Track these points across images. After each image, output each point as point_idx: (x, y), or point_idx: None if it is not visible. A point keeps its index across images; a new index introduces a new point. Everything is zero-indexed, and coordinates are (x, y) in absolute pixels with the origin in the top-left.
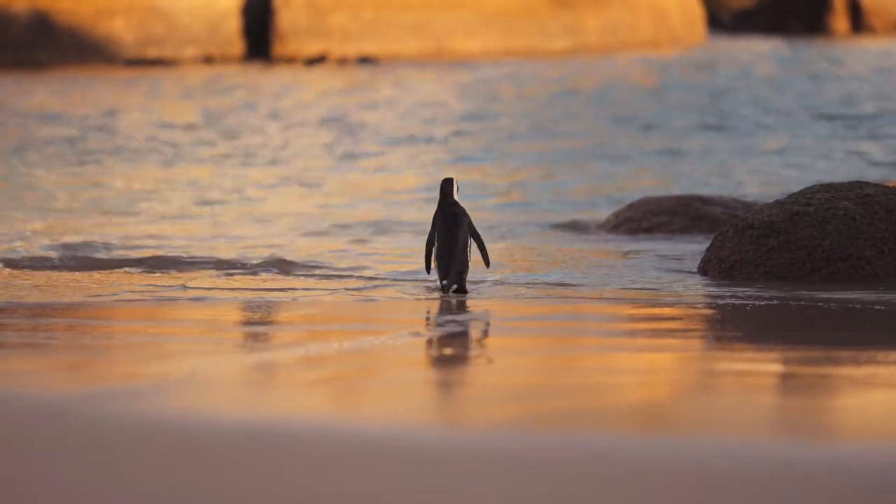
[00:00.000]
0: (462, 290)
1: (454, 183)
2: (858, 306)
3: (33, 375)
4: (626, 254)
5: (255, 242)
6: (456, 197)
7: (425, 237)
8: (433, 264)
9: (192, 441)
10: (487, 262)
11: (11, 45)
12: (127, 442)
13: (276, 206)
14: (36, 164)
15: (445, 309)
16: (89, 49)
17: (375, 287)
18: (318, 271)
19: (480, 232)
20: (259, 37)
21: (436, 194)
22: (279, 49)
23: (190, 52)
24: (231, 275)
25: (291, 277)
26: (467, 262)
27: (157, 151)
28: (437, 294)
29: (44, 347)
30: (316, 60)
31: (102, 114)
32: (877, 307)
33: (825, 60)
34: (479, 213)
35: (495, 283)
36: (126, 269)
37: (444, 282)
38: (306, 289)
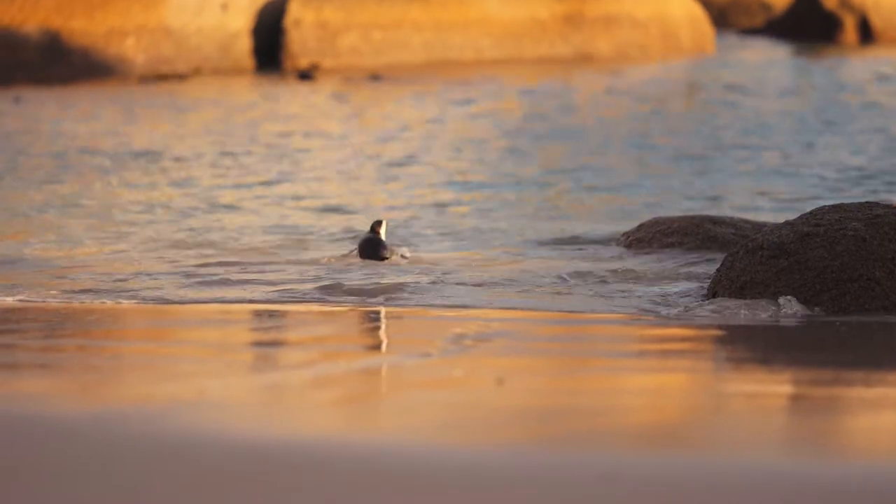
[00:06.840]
0: (379, 259)
1: (383, 223)
2: (869, 327)
3: (44, 396)
4: (635, 273)
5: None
6: (382, 236)
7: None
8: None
9: (204, 462)
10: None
11: (23, 65)
12: (139, 463)
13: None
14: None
15: (454, 329)
16: (101, 69)
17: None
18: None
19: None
20: (270, 57)
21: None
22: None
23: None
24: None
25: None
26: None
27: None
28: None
29: (54, 368)
30: (307, 74)
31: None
32: (887, 328)
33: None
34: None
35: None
36: None
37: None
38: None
